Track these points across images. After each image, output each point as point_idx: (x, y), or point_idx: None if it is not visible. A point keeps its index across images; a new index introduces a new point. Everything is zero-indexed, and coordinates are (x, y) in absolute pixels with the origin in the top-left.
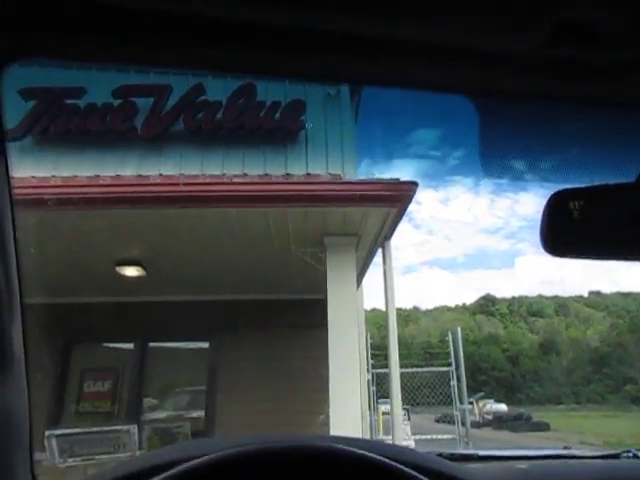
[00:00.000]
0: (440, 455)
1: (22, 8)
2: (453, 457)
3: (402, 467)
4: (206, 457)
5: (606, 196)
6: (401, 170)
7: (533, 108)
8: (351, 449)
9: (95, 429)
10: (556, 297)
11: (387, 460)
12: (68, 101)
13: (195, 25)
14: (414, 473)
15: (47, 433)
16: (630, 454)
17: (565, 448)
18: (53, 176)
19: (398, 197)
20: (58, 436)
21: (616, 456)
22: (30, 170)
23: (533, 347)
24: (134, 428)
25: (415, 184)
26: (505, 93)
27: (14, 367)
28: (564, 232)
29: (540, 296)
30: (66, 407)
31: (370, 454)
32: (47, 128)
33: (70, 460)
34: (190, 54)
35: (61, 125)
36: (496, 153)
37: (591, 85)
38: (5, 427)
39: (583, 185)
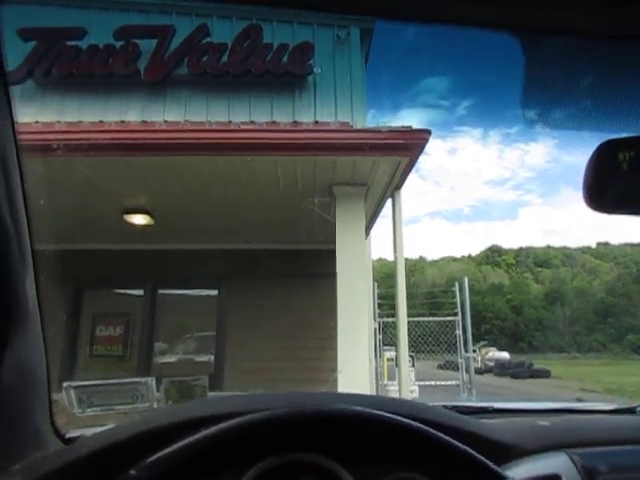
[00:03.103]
0: (455, 408)
1: None
2: (468, 410)
3: (423, 427)
4: (236, 420)
5: None
6: (410, 119)
7: (581, 48)
8: (372, 411)
9: (113, 381)
10: (564, 248)
11: (405, 420)
12: (69, 43)
13: None
14: (439, 434)
15: (65, 384)
16: None
17: (578, 400)
18: (58, 121)
19: (410, 146)
20: (76, 387)
21: (632, 410)
22: (33, 114)
23: (538, 297)
24: (152, 380)
25: (428, 132)
26: (551, 31)
27: (30, 320)
28: (611, 186)
29: (548, 247)
30: (79, 350)
31: (389, 415)
32: (49, 70)
33: (89, 410)
34: None
35: (63, 67)
36: (538, 99)
37: None
38: (24, 378)
39: (634, 134)
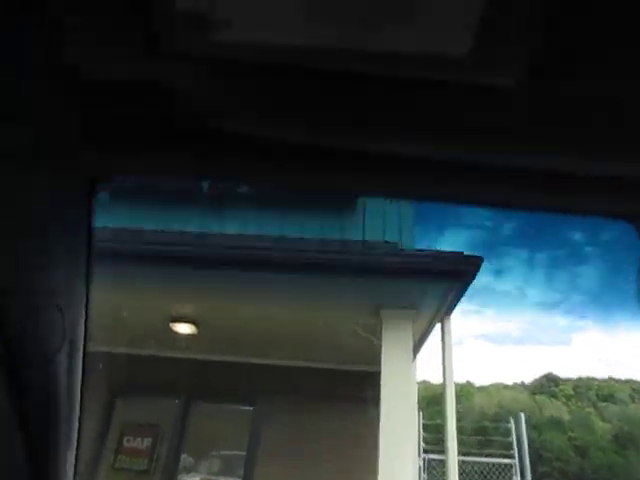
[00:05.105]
0: None
1: (111, 131)
2: None
3: None
4: None
5: None
6: (454, 239)
7: None
8: None
9: None
10: (630, 381)
11: None
12: None
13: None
14: None
15: None
16: None
17: None
18: (124, 229)
19: (462, 272)
20: None
21: None
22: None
23: (605, 437)
24: None
25: (480, 259)
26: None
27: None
28: None
29: (610, 379)
30: (103, 460)
31: None
32: (123, 182)
33: None
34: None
35: (135, 180)
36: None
37: None
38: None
39: None
